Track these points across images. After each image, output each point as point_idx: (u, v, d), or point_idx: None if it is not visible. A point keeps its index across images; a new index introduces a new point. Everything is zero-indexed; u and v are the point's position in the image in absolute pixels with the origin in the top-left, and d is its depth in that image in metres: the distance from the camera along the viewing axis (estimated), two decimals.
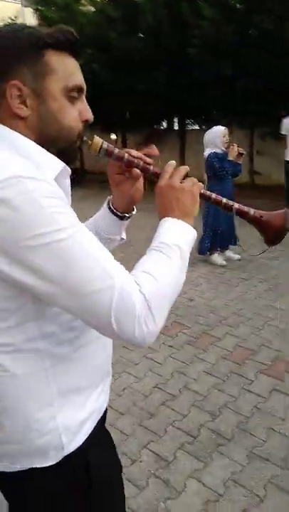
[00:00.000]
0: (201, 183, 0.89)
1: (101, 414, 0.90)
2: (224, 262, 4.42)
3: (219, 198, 0.94)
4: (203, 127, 8.49)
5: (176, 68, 7.24)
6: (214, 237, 4.39)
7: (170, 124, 10.58)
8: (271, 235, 0.96)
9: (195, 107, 7.76)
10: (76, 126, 0.79)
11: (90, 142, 0.84)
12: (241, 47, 6.48)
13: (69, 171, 0.80)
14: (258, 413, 2.21)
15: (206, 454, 1.97)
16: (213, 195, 0.93)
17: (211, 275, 4.16)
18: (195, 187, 0.86)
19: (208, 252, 4.50)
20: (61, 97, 0.76)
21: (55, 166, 0.76)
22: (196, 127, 9.76)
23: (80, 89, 0.79)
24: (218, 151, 4.23)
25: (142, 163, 0.90)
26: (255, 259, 4.54)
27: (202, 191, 0.89)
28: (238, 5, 6.78)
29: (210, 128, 4.47)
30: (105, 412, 0.95)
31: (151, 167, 0.90)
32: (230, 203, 0.94)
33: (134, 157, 0.89)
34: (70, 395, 0.80)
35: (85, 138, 0.83)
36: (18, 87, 0.74)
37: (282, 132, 6.19)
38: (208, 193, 0.93)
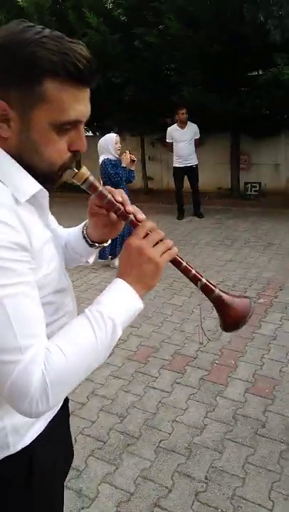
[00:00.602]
0: (174, 249, 0.82)
1: (54, 413, 0.92)
2: None
3: (189, 268, 0.86)
4: (97, 133, 8.58)
5: None
6: (115, 242, 4.48)
7: None
8: (229, 321, 0.89)
9: None
10: (59, 159, 0.74)
11: (75, 171, 0.79)
12: (127, 57, 6.72)
13: (46, 193, 0.78)
14: (162, 408, 2.32)
15: (116, 456, 2.01)
16: (184, 264, 0.86)
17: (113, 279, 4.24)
18: (164, 257, 0.80)
19: (109, 257, 4.57)
20: (48, 130, 0.71)
21: (30, 188, 0.74)
22: (90, 134, 9.82)
23: (76, 122, 0.73)
24: (112, 157, 4.33)
25: (122, 209, 0.83)
26: None
27: (175, 257, 0.83)
28: (121, 17, 7.02)
29: (103, 134, 4.56)
30: (65, 408, 0.99)
31: (131, 216, 0.83)
32: (199, 276, 0.86)
33: (116, 201, 0.83)
34: None
35: (75, 169, 0.79)
36: (3, 108, 0.69)
37: (168, 140, 6.60)
38: (178, 259, 0.85)
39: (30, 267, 0.70)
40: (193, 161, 6.50)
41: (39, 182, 0.76)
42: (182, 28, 5.91)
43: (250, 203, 7.37)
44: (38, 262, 0.74)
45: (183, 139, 6.41)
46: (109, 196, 0.83)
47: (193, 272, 0.86)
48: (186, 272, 0.86)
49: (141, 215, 0.84)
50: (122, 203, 0.83)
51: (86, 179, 0.81)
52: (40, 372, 0.65)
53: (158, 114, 7.36)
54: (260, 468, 1.89)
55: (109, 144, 4.32)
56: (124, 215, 0.84)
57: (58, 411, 0.94)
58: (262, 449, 1.99)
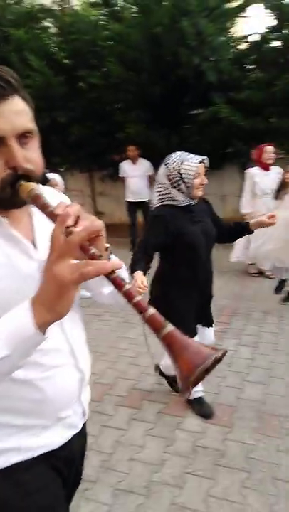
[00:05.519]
0: (103, 266, 0.63)
1: (25, 457, 0.93)
2: None
3: (131, 293, 0.64)
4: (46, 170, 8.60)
5: None
6: None
7: None
8: (181, 372, 0.61)
9: None
10: None
11: (21, 183, 0.77)
12: (72, 98, 6.90)
13: None
14: (119, 447, 2.23)
15: (73, 503, 1.87)
16: (126, 287, 0.64)
17: None
18: (76, 274, 0.62)
19: None
20: None
21: None
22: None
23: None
24: None
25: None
26: None
27: (114, 277, 0.64)
28: (65, 60, 7.24)
29: (52, 171, 4.61)
30: (51, 457, 0.98)
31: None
32: (143, 304, 0.64)
33: (55, 214, 0.68)
34: None
35: (22, 182, 0.78)
36: None
37: (120, 175, 6.74)
38: (118, 280, 0.64)
39: None
40: (145, 196, 6.65)
41: None
42: (124, 72, 6.19)
43: None
44: None
45: (134, 174, 6.58)
46: (51, 208, 0.71)
47: (138, 298, 0.64)
48: (127, 297, 0.65)
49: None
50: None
51: (28, 192, 0.76)
52: None
53: (105, 150, 7.52)
54: (221, 500, 1.83)
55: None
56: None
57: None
58: (223, 480, 1.95)
